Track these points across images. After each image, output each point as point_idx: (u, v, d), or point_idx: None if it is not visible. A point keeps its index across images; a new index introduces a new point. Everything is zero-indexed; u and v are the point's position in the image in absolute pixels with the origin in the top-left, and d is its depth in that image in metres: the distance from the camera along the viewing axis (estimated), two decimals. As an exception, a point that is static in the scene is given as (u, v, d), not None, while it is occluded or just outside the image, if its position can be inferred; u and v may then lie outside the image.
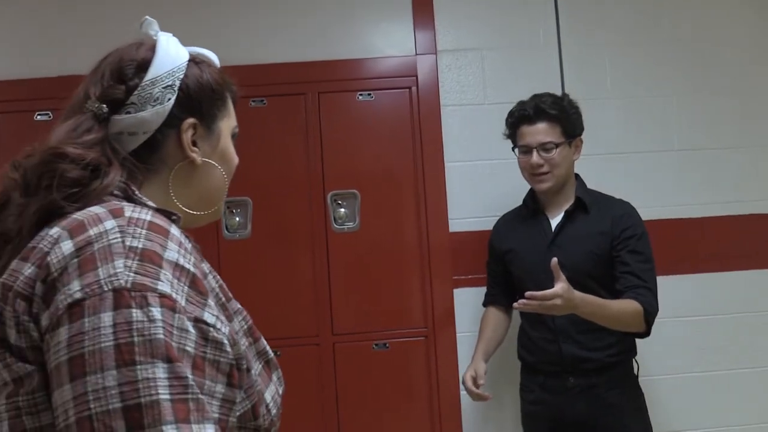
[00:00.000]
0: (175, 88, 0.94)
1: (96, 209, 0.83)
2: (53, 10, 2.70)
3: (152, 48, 0.96)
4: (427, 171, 2.69)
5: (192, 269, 0.81)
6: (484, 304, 2.43)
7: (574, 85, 2.71)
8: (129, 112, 0.91)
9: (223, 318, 0.83)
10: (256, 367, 0.91)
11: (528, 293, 1.81)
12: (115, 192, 0.88)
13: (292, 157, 2.69)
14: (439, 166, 2.69)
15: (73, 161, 0.86)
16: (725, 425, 2.67)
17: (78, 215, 0.82)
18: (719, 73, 2.77)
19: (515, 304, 1.86)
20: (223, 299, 0.89)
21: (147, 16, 1.00)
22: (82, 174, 0.86)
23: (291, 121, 2.70)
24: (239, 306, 0.94)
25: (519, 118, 2.16)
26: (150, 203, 0.90)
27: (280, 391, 0.96)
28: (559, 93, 2.30)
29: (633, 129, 2.73)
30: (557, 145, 2.11)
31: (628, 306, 1.96)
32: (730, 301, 2.70)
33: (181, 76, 0.95)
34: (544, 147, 2.11)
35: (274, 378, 0.96)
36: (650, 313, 1.99)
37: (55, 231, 0.80)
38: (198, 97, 0.97)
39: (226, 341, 0.80)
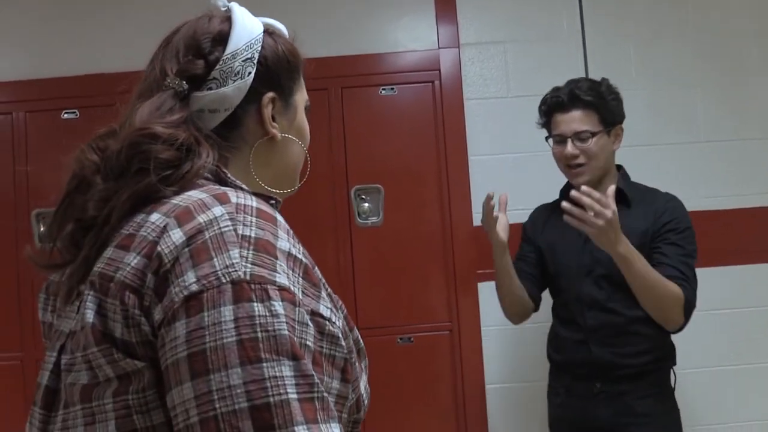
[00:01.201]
0: (254, 61, 0.89)
1: (198, 194, 0.77)
2: (80, 9, 2.74)
3: (227, 20, 0.91)
4: (450, 165, 2.69)
5: (304, 259, 0.77)
6: None
7: (598, 76, 2.65)
8: (211, 88, 0.87)
9: (336, 310, 0.80)
10: (352, 357, 0.86)
11: (584, 188, 1.74)
12: (207, 175, 0.83)
13: (315, 152, 2.66)
14: (463, 160, 2.68)
15: (165, 141, 0.80)
16: (758, 419, 2.63)
17: (178, 200, 0.76)
18: (745, 62, 2.73)
19: (564, 204, 1.77)
20: (330, 289, 0.83)
21: None
22: (176, 155, 0.80)
23: (314, 117, 2.70)
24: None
25: (552, 106, 2.00)
26: (245, 186, 0.85)
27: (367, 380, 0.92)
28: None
29: (658, 120, 2.69)
30: (593, 134, 1.93)
31: (670, 285, 1.80)
32: (760, 294, 2.65)
33: (259, 48, 0.91)
34: (579, 136, 1.93)
35: (363, 367, 0.90)
36: (690, 304, 1.84)
37: (157, 218, 0.75)
38: (276, 70, 0.93)
39: (340, 335, 0.77)
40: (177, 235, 0.72)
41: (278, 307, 0.69)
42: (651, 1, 2.73)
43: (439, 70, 2.71)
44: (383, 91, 2.71)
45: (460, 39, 2.73)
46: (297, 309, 0.71)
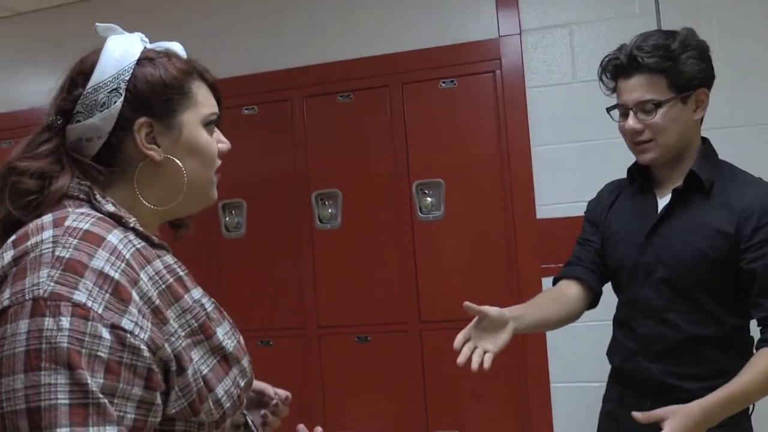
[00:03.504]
0: (121, 91, 0.95)
1: (46, 217, 0.88)
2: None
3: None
4: (512, 156, 2.61)
5: (117, 276, 0.84)
6: (555, 279, 1.85)
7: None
8: (79, 120, 0.95)
9: (145, 324, 0.85)
10: (209, 363, 0.93)
11: (636, 415, 1.41)
12: (81, 196, 0.93)
13: (378, 149, 2.75)
14: (526, 151, 2.60)
15: (21, 173, 0.92)
16: None
17: (30, 224, 0.87)
18: None
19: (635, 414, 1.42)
20: (158, 302, 0.88)
21: (97, 24, 1.01)
22: (35, 184, 0.91)
23: (376, 114, 2.76)
24: (194, 302, 0.95)
25: (613, 71, 1.62)
26: (107, 206, 0.93)
27: (242, 383, 0.98)
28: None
29: (744, 100, 2.43)
30: (660, 104, 1.54)
31: None
32: None
33: (127, 78, 0.96)
34: (642, 107, 1.56)
35: (235, 371, 0.97)
36: None
37: (8, 241, 0.87)
38: (148, 96, 0.97)
39: (143, 347, 0.82)
40: (8, 256, 0.84)
41: (65, 321, 0.77)
42: (737, -34, 2.47)
43: (500, 59, 2.64)
44: (443, 84, 2.69)
45: (521, 25, 2.63)
46: (89, 323, 0.79)
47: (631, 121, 1.57)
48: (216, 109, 1.07)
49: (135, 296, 0.85)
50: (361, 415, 2.74)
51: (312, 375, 2.78)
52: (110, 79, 0.96)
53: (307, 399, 2.75)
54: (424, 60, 2.71)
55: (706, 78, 1.57)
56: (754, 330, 1.56)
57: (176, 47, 1.06)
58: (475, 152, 2.66)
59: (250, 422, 1.13)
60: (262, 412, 1.23)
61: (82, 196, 0.93)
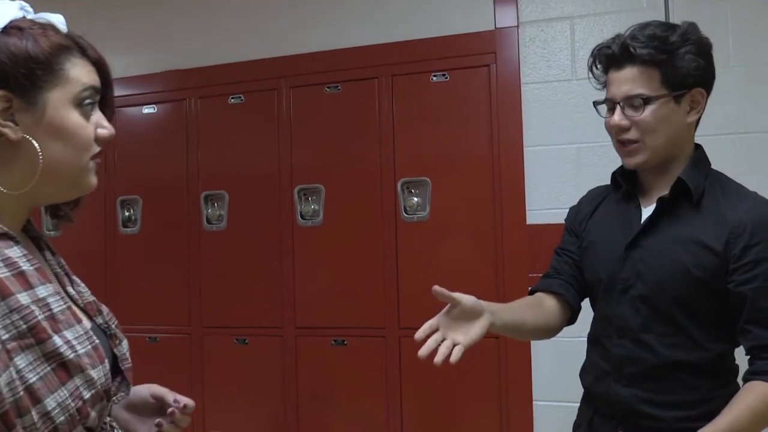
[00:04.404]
0: None
1: None
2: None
3: None
4: (504, 156, 2.45)
5: None
6: (531, 291, 1.67)
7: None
8: None
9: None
10: (40, 371, 0.85)
11: None
12: None
13: (365, 144, 2.62)
14: (518, 151, 2.43)
15: None
16: None
17: None
18: None
19: None
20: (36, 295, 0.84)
21: None
22: None
23: (364, 107, 2.62)
24: (31, 302, 0.87)
25: (605, 61, 1.47)
26: None
27: (86, 395, 0.88)
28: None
29: (758, 104, 2.22)
30: (649, 100, 1.39)
31: (762, 399, 1.30)
32: None
33: None
34: (630, 102, 1.41)
35: (77, 381, 0.87)
36: None
37: None
38: (6, 68, 0.90)
39: None
40: None
41: None
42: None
43: (495, 53, 2.47)
44: (435, 78, 2.54)
45: (519, 17, 2.46)
46: None
47: (617, 116, 1.43)
48: (95, 84, 0.97)
49: None
50: (336, 421, 2.62)
51: (288, 378, 2.66)
52: None
53: (279, 403, 2.65)
54: (414, 52, 2.56)
55: (704, 77, 1.42)
56: (740, 357, 1.39)
57: (57, 20, 0.97)
58: (464, 151, 2.50)
59: None
60: (157, 420, 1.13)
61: None
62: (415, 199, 2.56)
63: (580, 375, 1.63)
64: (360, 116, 2.62)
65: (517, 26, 2.46)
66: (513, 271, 2.41)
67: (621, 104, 1.43)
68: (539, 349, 2.37)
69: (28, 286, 0.87)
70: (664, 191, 1.45)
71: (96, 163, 0.99)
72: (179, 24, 2.91)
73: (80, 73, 0.96)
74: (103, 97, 1.01)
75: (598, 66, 1.50)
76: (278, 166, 2.71)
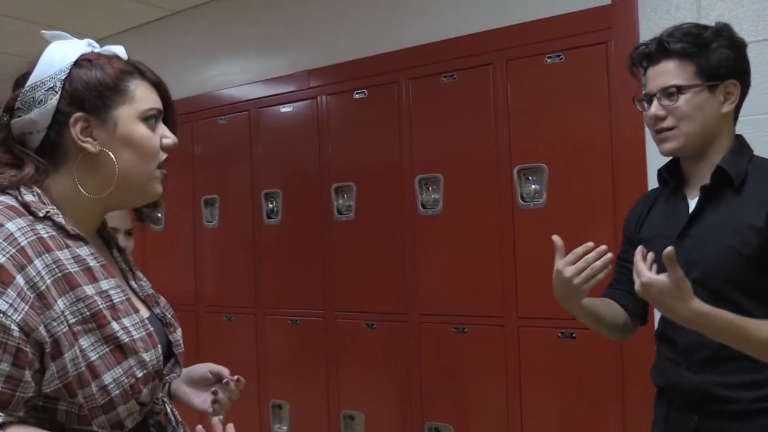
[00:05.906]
0: (57, 89, 1.06)
1: None
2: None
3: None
4: (623, 139, 2.31)
5: (1, 260, 0.93)
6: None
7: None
8: (20, 116, 1.07)
9: (22, 306, 0.93)
10: (100, 351, 1.00)
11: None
12: (5, 183, 1.04)
13: (480, 132, 2.60)
14: (639, 134, 2.26)
15: None
16: None
17: None
18: None
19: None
20: (43, 288, 0.96)
21: (44, 31, 1.13)
22: None
23: (479, 94, 2.60)
24: (95, 293, 1.02)
25: (643, 60, 1.57)
26: (26, 196, 1.03)
27: (139, 374, 1.03)
28: None
29: None
30: (682, 89, 1.48)
31: None
32: None
33: (63, 78, 1.07)
34: (665, 92, 1.50)
35: (131, 362, 1.02)
36: None
37: None
38: (82, 94, 1.07)
39: (14, 327, 0.91)
40: None
41: None
42: None
43: (612, 28, 2.32)
44: (549, 60, 2.45)
45: (639, -14, 2.29)
46: None
47: (653, 108, 1.51)
48: (156, 105, 1.14)
49: (19, 280, 0.94)
50: (457, 407, 2.67)
51: (413, 362, 2.76)
52: (47, 79, 1.07)
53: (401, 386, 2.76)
54: (527, 34, 2.49)
55: (735, 69, 1.51)
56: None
57: (119, 50, 1.15)
58: (582, 134, 2.39)
59: (169, 411, 1.19)
60: (213, 388, 1.31)
61: (6, 183, 1.04)
62: (533, 186, 2.50)
63: (651, 374, 1.67)
64: (476, 104, 2.61)
65: (636, -3, 2.29)
66: (635, 260, 2.28)
67: (657, 95, 1.51)
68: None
69: (94, 279, 1.03)
70: (707, 181, 1.51)
71: (162, 173, 1.15)
72: (308, 26, 3.09)
73: (144, 94, 1.13)
74: (165, 114, 1.17)
75: (636, 64, 1.59)
76: (400, 157, 2.79)
